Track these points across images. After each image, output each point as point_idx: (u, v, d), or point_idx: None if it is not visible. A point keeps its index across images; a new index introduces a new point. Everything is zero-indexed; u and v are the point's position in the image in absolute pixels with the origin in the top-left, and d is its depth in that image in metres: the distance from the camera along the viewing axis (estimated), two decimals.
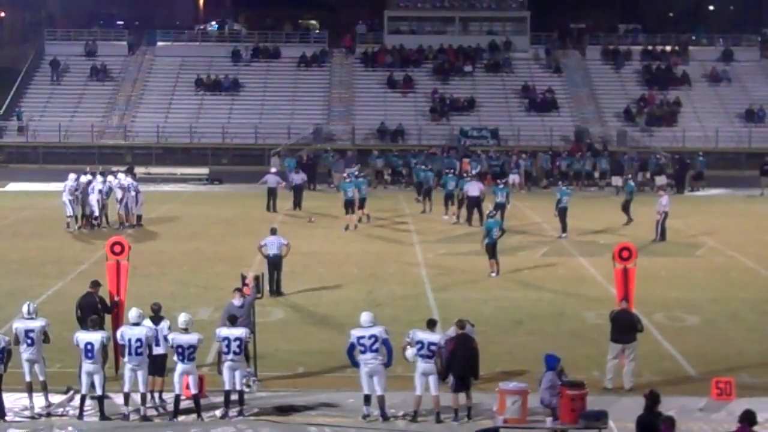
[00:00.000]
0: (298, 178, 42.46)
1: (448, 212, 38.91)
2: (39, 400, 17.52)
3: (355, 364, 17.37)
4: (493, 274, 28.48)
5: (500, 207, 35.20)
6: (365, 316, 17.45)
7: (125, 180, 36.49)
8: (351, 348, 17.36)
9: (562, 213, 34.97)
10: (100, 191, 35.57)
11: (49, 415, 17.32)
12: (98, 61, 63.32)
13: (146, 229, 36.04)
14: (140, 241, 32.30)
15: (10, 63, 67.54)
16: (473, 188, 37.18)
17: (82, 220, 35.62)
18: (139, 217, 36.51)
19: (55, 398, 17.89)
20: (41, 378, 17.50)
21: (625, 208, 37.54)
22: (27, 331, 17.43)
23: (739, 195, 48.25)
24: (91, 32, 67.10)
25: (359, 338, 17.19)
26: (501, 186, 36.94)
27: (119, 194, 35.96)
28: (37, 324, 17.54)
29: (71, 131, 57.68)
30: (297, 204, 41.13)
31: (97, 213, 35.65)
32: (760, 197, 47.37)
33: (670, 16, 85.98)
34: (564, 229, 34.98)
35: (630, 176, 42.75)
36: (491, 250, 28.69)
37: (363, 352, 17.18)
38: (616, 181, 48.07)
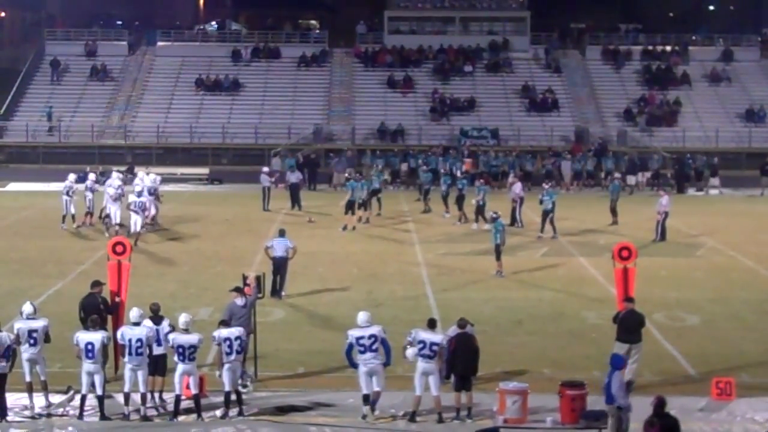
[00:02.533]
0: (294, 177, 42.45)
1: (448, 210, 39.17)
2: (39, 400, 17.53)
3: (353, 365, 17.37)
4: (499, 274, 28.40)
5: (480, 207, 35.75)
6: (362, 316, 17.46)
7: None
8: (349, 348, 17.34)
9: (546, 215, 34.63)
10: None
11: (49, 415, 17.32)
12: (98, 61, 63.30)
13: (147, 229, 35.98)
14: (140, 241, 32.27)
15: (10, 63, 67.55)
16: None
17: (87, 217, 35.81)
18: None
19: (56, 398, 17.90)
20: (42, 378, 17.51)
21: (613, 208, 37.66)
22: (30, 331, 17.40)
23: (739, 195, 48.23)
24: (91, 32, 67.03)
25: (358, 339, 17.18)
26: (481, 185, 37.21)
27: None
28: (39, 324, 17.53)
29: (71, 131, 57.67)
30: (296, 203, 41.15)
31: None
32: (760, 197, 47.36)
33: (671, 16, 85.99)
34: (554, 230, 34.62)
35: (618, 176, 42.83)
36: (498, 251, 28.58)
37: (362, 352, 17.17)
38: (631, 180, 48.23)
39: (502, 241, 28.50)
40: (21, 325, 17.55)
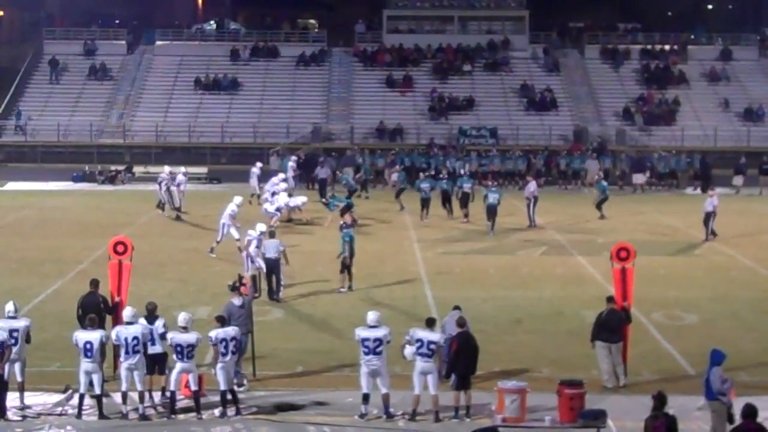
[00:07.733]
0: (323, 172, 43.31)
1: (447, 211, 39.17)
2: (36, 399, 17.51)
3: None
4: (343, 290, 26.43)
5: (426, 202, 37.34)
6: (371, 315, 17.40)
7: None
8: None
9: (490, 210, 35.08)
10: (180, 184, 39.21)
11: (24, 417, 17.21)
12: (97, 60, 63.28)
13: (146, 227, 35.97)
14: (139, 240, 32.17)
15: (9, 62, 67.43)
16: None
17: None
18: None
19: (54, 397, 17.89)
20: (19, 379, 17.39)
21: (599, 206, 38.01)
22: (11, 331, 17.18)
23: (739, 195, 48.14)
24: (89, 31, 66.97)
25: (364, 340, 17.17)
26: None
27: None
28: (21, 324, 17.41)
29: (70, 130, 57.65)
30: (323, 196, 42.02)
31: (178, 204, 38.95)
32: (759, 197, 47.31)
33: (669, 15, 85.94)
34: (492, 226, 35.10)
35: (602, 175, 42.85)
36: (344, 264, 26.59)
37: (366, 353, 17.16)
38: (637, 179, 48.27)
39: (350, 252, 26.47)
40: (2, 324, 17.36)
